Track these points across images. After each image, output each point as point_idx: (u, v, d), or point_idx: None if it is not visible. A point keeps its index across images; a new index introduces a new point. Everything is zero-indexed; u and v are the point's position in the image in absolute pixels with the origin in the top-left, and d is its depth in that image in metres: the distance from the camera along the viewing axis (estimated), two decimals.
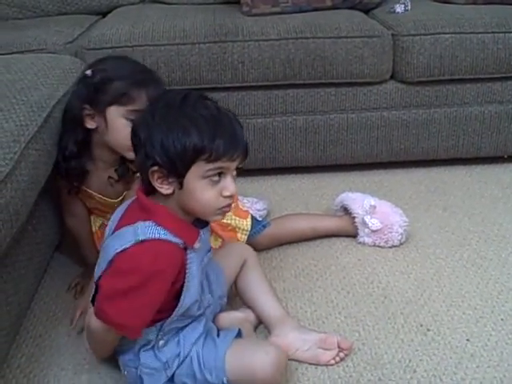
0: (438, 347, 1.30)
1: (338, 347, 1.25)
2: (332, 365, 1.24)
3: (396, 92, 1.95)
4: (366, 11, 2.14)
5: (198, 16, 1.99)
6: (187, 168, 1.04)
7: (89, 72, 1.40)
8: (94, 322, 1.09)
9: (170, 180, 1.05)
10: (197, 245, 1.09)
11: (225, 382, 1.13)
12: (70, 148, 1.38)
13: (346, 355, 1.26)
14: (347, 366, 1.26)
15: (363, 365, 1.26)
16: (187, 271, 1.09)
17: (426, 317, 1.39)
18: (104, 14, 2.20)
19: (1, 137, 1.19)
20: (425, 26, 1.90)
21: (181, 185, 1.05)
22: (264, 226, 1.60)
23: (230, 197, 1.08)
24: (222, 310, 1.33)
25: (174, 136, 1.02)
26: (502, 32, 1.89)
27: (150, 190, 1.09)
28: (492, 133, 2.02)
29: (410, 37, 1.89)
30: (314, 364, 1.25)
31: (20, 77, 1.49)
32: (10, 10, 2.23)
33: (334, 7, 2.09)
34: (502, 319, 1.38)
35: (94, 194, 1.46)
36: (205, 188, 1.06)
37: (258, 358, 1.13)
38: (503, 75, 1.95)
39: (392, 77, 1.94)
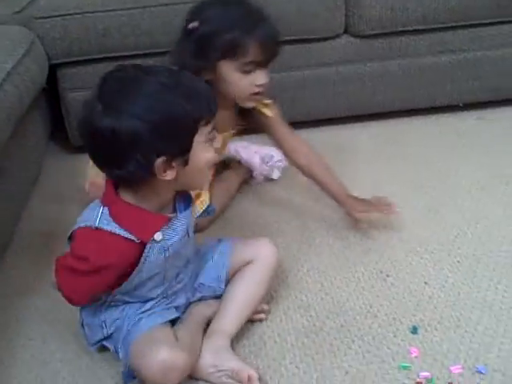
0: (397, 292, 1.34)
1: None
2: None
3: (350, 46, 1.96)
4: None
5: None
6: (192, 141, 1.01)
7: (193, 25, 1.32)
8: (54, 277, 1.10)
9: (174, 164, 1.01)
10: (158, 236, 1.06)
11: (127, 365, 1.11)
12: None
13: None
14: (310, 315, 1.29)
15: (326, 313, 1.29)
16: (141, 260, 1.06)
17: (386, 264, 1.43)
18: None
19: None
20: None
21: (186, 161, 1.02)
22: (208, 213, 1.44)
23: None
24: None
25: (171, 117, 0.97)
26: None
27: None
28: (446, 82, 2.05)
29: None
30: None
31: None
32: None
33: None
34: (458, 261, 1.42)
35: None
36: (207, 149, 1.04)
37: (147, 354, 1.06)
38: (454, 24, 1.96)
39: (345, 31, 1.95)
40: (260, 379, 1.12)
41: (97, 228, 1.03)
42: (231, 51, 1.29)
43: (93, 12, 1.79)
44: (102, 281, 1.06)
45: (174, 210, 1.12)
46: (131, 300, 1.15)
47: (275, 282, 1.37)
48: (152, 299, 1.16)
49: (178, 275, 1.18)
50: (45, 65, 1.77)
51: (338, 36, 1.95)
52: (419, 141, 1.98)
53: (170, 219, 1.08)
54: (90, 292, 1.09)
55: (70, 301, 1.11)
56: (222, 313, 1.21)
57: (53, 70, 1.84)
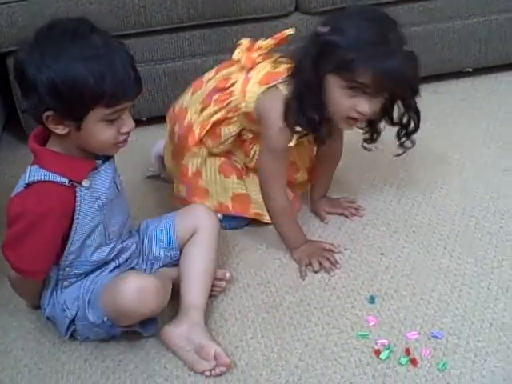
0: (354, 264, 1.37)
1: (215, 359, 1.13)
2: (207, 376, 1.13)
3: (302, 24, 1.95)
4: None
5: None
6: (85, 114, 1.03)
7: (323, 29, 1.25)
8: (9, 270, 1.13)
9: (66, 123, 1.04)
10: (86, 182, 1.09)
11: (105, 320, 1.12)
12: (310, 115, 1.27)
13: (223, 372, 1.13)
14: (270, 291, 1.31)
15: (285, 289, 1.31)
16: (76, 209, 1.09)
17: (343, 237, 1.46)
18: None
19: None
20: None
21: (78, 127, 1.04)
22: None
23: (128, 132, 1.09)
24: (172, 264, 1.30)
25: (69, 83, 1.00)
26: None
27: (45, 132, 1.09)
28: None
29: None
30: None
31: None
32: None
33: None
34: (413, 231, 1.46)
35: None
36: (103, 129, 1.06)
37: (118, 286, 1.09)
38: None
39: (296, 9, 1.95)
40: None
41: (27, 185, 1.06)
42: (346, 70, 1.21)
43: None
44: (46, 235, 1.07)
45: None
46: (81, 271, 1.16)
47: (234, 260, 1.39)
48: (105, 269, 1.17)
49: (121, 235, 1.19)
50: None
51: (289, 14, 1.94)
52: None
53: (95, 165, 1.11)
54: (42, 253, 1.09)
55: (30, 273, 1.12)
56: (188, 288, 1.23)
57: (2, 58, 1.81)
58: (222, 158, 1.47)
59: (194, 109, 1.44)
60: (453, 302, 1.25)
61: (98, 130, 1.05)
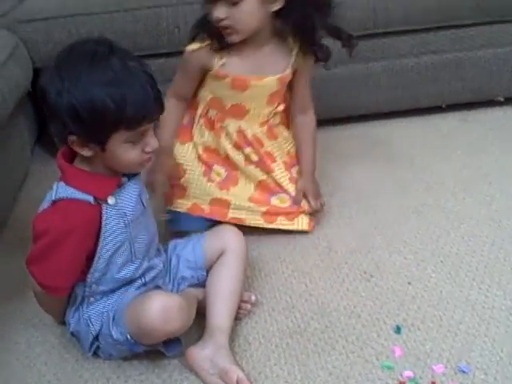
0: (381, 292, 1.35)
1: None
2: None
3: (332, 48, 1.96)
4: None
5: None
6: (107, 138, 1.04)
7: None
8: (34, 285, 1.13)
9: (90, 145, 1.05)
10: (111, 199, 1.10)
11: (129, 338, 1.12)
12: None
13: None
14: (295, 316, 1.30)
15: (310, 314, 1.30)
16: (102, 226, 1.09)
17: (370, 264, 1.44)
18: None
19: None
20: None
21: (103, 149, 1.06)
22: None
23: (152, 152, 1.10)
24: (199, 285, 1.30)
25: (89, 108, 1.00)
26: None
27: (72, 151, 1.10)
28: (429, 83, 2.06)
29: None
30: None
31: None
32: None
33: None
34: (441, 261, 1.44)
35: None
36: (127, 150, 1.07)
37: (143, 304, 1.09)
38: (435, 25, 1.97)
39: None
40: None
41: (54, 202, 1.07)
42: None
43: (75, 15, 1.79)
44: (70, 252, 1.07)
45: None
46: (107, 288, 1.16)
47: (260, 283, 1.39)
48: (131, 286, 1.18)
49: (147, 253, 1.19)
50: (29, 68, 1.76)
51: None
52: (403, 142, 1.99)
53: (121, 182, 1.13)
54: (66, 270, 1.10)
55: (54, 290, 1.12)
56: (213, 310, 1.22)
57: (37, 73, 1.84)
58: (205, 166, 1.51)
59: None
60: (480, 336, 1.23)
61: (123, 151, 1.06)
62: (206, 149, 1.50)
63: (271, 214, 1.53)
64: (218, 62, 1.40)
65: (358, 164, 1.87)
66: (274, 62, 1.43)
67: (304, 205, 1.54)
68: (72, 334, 1.22)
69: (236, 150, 1.50)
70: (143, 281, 1.20)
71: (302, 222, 1.54)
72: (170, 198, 1.52)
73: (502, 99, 2.15)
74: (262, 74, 1.42)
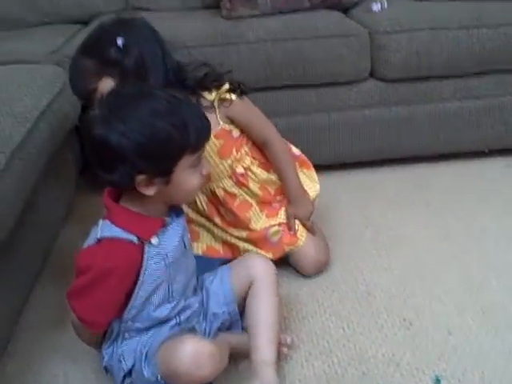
0: (420, 341, 1.33)
1: None
2: None
3: (375, 90, 1.98)
4: (344, 11, 2.17)
5: (177, 21, 2.01)
6: (175, 166, 1.08)
7: None
8: (73, 318, 1.15)
9: (156, 181, 1.08)
10: (154, 240, 1.11)
11: (159, 378, 1.12)
12: None
13: None
14: (332, 362, 1.29)
15: (348, 360, 1.29)
16: (143, 266, 1.10)
17: (409, 311, 1.42)
18: (87, 23, 2.21)
19: None
20: (400, 23, 1.92)
21: (167, 182, 1.08)
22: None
23: (206, 174, 1.15)
24: (232, 327, 1.30)
25: (156, 141, 1.04)
26: (475, 27, 1.91)
27: (117, 191, 1.13)
28: (472, 128, 2.05)
29: (386, 35, 1.91)
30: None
31: (3, 88, 1.51)
32: None
33: (312, 8, 2.10)
34: (482, 311, 1.41)
35: None
36: (190, 176, 1.11)
37: (175, 348, 1.10)
38: (479, 70, 1.98)
39: (371, 75, 1.97)
40: None
41: (98, 240, 1.09)
42: None
43: None
44: (110, 290, 1.08)
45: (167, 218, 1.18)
46: (142, 325, 1.16)
47: (297, 326, 1.38)
48: (165, 325, 1.18)
49: (184, 293, 1.20)
50: (77, 103, 1.80)
51: (363, 80, 1.97)
52: (445, 186, 1.98)
53: (165, 223, 1.14)
54: (104, 307, 1.11)
55: (91, 325, 1.13)
56: (256, 343, 1.22)
57: (84, 108, 1.88)
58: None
59: None
60: None
61: (186, 177, 1.10)
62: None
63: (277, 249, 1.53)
64: None
65: (399, 208, 1.86)
66: None
67: (298, 225, 1.54)
68: (105, 368, 1.22)
69: (215, 211, 1.53)
70: (178, 320, 1.20)
71: (303, 236, 1.54)
72: None
73: None
74: None
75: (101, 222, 1.12)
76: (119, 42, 1.29)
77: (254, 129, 1.50)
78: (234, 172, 1.49)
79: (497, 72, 2.02)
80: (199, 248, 1.53)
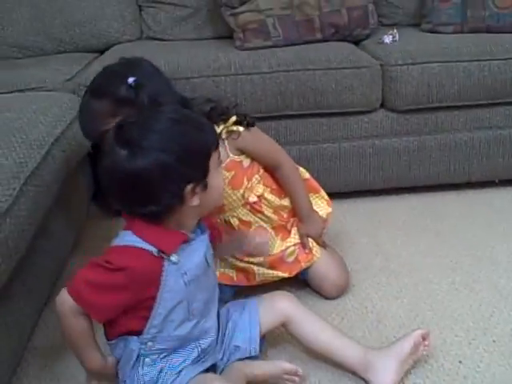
0: (431, 370, 1.32)
1: None
2: None
3: (386, 120, 2.00)
4: (356, 43, 2.20)
5: (192, 51, 2.05)
6: (208, 165, 1.12)
7: None
8: (63, 304, 1.11)
9: (197, 190, 1.10)
10: (174, 257, 1.11)
11: None
12: None
13: None
14: None
15: None
16: (162, 282, 1.10)
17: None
18: (102, 52, 2.26)
19: (0, 173, 1.23)
20: (412, 55, 1.95)
21: (205, 186, 1.11)
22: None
23: None
24: (253, 358, 1.29)
25: (189, 147, 1.08)
26: (486, 60, 1.94)
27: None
28: (482, 158, 2.06)
29: (397, 66, 1.94)
30: None
31: (19, 115, 1.54)
32: (10, 50, 2.29)
33: (324, 40, 2.14)
34: (493, 341, 1.40)
35: None
36: (218, 175, 1.17)
37: None
38: (490, 101, 1.99)
39: (382, 105, 1.99)
40: None
41: (116, 246, 1.12)
42: None
43: None
44: (118, 283, 1.07)
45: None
46: (164, 346, 1.15)
47: (307, 355, 1.37)
48: (188, 357, 1.17)
49: (205, 312, 1.19)
50: None
51: (374, 110, 1.99)
52: (454, 215, 1.98)
53: (187, 239, 1.14)
54: (108, 296, 1.09)
55: (90, 308, 1.10)
56: (345, 348, 1.30)
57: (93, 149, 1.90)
58: None
59: None
60: None
61: (217, 177, 1.15)
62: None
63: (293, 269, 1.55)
64: None
65: (409, 236, 1.86)
66: None
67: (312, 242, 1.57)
68: None
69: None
70: (198, 353, 1.19)
71: (318, 253, 1.57)
72: None
73: None
74: None
75: (122, 231, 1.14)
76: (131, 80, 1.30)
77: (265, 156, 1.52)
78: (247, 201, 1.50)
79: (507, 104, 2.03)
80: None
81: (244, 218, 1.52)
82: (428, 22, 2.26)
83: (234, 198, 1.49)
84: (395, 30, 2.15)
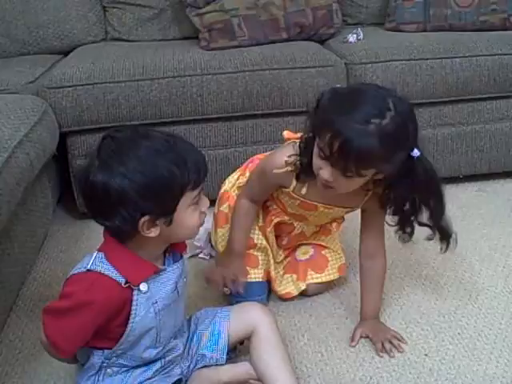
0: (397, 363, 1.34)
1: None
2: None
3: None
4: (321, 42, 2.22)
5: (157, 52, 2.04)
6: (177, 204, 1.06)
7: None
8: (43, 336, 1.12)
9: (158, 222, 1.06)
10: (143, 286, 1.09)
11: None
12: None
13: None
14: None
15: None
16: (132, 310, 1.09)
17: None
18: (66, 54, 2.23)
19: None
20: (376, 54, 1.98)
21: (170, 222, 1.07)
22: None
23: (206, 210, 1.13)
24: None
25: (159, 179, 1.03)
26: (449, 57, 1.98)
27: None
28: (446, 154, 2.10)
29: (362, 65, 1.96)
30: None
31: None
32: None
33: (289, 39, 2.16)
34: (458, 333, 1.43)
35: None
36: (191, 213, 1.09)
37: None
38: (453, 98, 2.03)
39: None
40: None
41: (88, 270, 1.07)
42: (318, 131, 1.21)
43: (103, 83, 1.86)
44: (84, 321, 1.06)
45: (164, 263, 1.17)
46: (127, 363, 1.15)
47: None
48: (149, 368, 1.17)
49: (172, 339, 1.19)
50: (56, 133, 1.82)
51: None
52: None
53: (158, 270, 1.12)
54: (77, 335, 1.08)
55: (57, 349, 1.09)
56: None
57: (63, 137, 1.89)
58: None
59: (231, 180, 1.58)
60: None
61: (188, 215, 1.09)
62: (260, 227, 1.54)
63: (302, 271, 1.56)
64: (299, 188, 1.38)
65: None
66: (348, 199, 1.37)
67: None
68: None
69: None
70: (162, 363, 1.19)
71: (332, 272, 1.56)
72: (245, 271, 1.52)
73: None
74: (333, 206, 1.42)
75: (96, 253, 1.10)
76: None
77: (377, 237, 1.44)
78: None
79: (470, 100, 2.07)
80: (258, 274, 1.53)
81: (305, 231, 1.55)
82: (391, 21, 2.30)
83: (323, 223, 1.52)
84: (359, 29, 2.18)
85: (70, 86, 1.84)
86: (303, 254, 1.60)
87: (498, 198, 2.08)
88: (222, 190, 1.61)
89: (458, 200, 2.07)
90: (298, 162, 1.32)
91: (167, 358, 1.19)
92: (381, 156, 1.15)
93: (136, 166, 1.02)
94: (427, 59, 1.98)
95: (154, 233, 1.06)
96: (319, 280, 1.56)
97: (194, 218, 1.10)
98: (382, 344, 1.37)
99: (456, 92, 2.01)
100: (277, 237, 1.56)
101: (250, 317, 1.28)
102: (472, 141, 2.10)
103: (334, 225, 1.58)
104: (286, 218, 1.50)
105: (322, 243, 1.59)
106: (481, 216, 1.96)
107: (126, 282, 1.07)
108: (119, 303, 1.08)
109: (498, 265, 1.69)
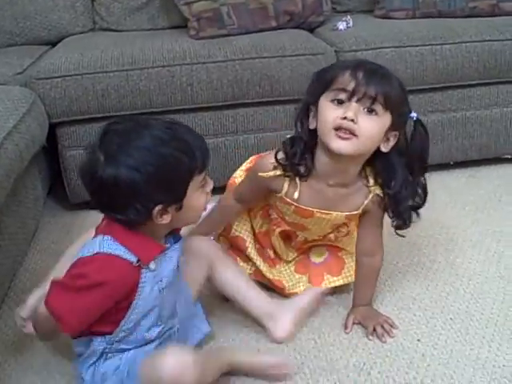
0: (390, 349, 1.34)
1: None
2: None
3: None
4: (311, 30, 2.21)
5: (146, 42, 2.03)
6: (186, 189, 1.08)
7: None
8: (41, 308, 1.11)
9: (169, 209, 1.07)
10: (153, 265, 1.11)
11: None
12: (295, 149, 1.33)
13: None
14: (304, 373, 1.29)
15: (319, 371, 1.29)
16: (138, 290, 1.10)
17: None
18: (54, 44, 2.22)
19: None
20: (366, 41, 1.97)
21: (180, 207, 1.08)
22: None
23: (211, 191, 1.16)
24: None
25: (168, 168, 1.04)
26: (438, 44, 1.98)
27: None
28: (437, 141, 2.09)
29: (352, 52, 1.96)
30: None
31: None
32: None
33: (279, 27, 2.15)
34: (451, 318, 1.43)
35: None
36: (199, 196, 1.12)
37: (157, 360, 1.08)
38: (442, 85, 2.03)
39: None
40: None
41: (97, 253, 1.07)
42: (332, 81, 1.25)
43: (92, 73, 1.84)
44: (98, 300, 1.07)
45: (165, 242, 1.18)
46: (129, 346, 1.16)
47: (268, 339, 1.38)
48: (149, 345, 1.18)
49: (171, 316, 1.21)
50: (45, 124, 1.81)
51: None
52: None
53: (164, 249, 1.15)
54: (86, 313, 1.08)
55: (60, 321, 1.08)
56: (253, 300, 1.36)
57: (52, 128, 1.88)
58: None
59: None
60: None
61: (196, 199, 1.11)
62: (260, 232, 1.54)
63: (316, 275, 1.53)
64: (291, 193, 1.36)
65: None
66: (346, 202, 1.36)
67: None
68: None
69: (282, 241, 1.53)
70: (160, 340, 1.20)
71: (349, 274, 1.52)
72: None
73: (510, 156, 2.18)
74: (329, 211, 1.38)
75: (101, 236, 1.09)
76: None
77: (374, 236, 1.44)
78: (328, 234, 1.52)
79: (460, 87, 2.07)
80: (247, 269, 1.53)
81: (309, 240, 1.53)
82: (381, 8, 2.29)
83: (325, 232, 1.49)
84: (349, 17, 2.18)
85: (58, 77, 1.83)
86: (317, 256, 1.55)
87: (489, 184, 2.08)
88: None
89: (449, 186, 2.08)
90: (287, 163, 1.33)
91: (165, 335, 1.21)
92: (398, 95, 1.27)
93: (144, 157, 1.03)
94: (417, 46, 1.98)
95: (165, 220, 1.08)
96: (336, 283, 1.52)
97: (201, 200, 1.13)
98: (374, 328, 1.38)
99: (446, 79, 2.02)
100: (285, 239, 1.54)
101: (203, 254, 1.35)
102: (462, 127, 2.10)
103: (352, 225, 1.50)
104: (287, 227, 1.48)
105: (339, 244, 1.55)
106: (472, 202, 1.97)
107: (137, 261, 1.08)
108: (131, 283, 1.09)
109: (489, 250, 1.70)
